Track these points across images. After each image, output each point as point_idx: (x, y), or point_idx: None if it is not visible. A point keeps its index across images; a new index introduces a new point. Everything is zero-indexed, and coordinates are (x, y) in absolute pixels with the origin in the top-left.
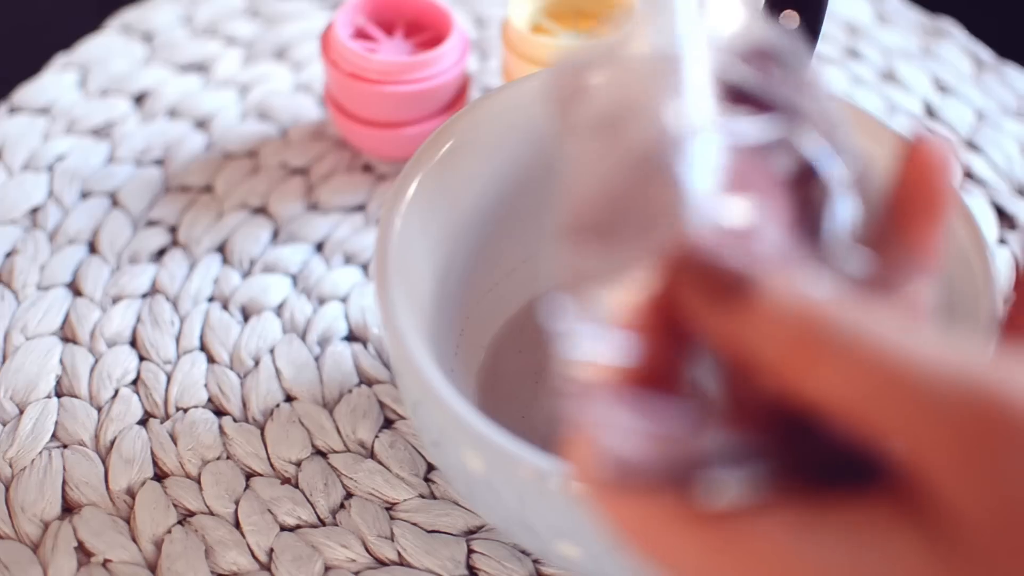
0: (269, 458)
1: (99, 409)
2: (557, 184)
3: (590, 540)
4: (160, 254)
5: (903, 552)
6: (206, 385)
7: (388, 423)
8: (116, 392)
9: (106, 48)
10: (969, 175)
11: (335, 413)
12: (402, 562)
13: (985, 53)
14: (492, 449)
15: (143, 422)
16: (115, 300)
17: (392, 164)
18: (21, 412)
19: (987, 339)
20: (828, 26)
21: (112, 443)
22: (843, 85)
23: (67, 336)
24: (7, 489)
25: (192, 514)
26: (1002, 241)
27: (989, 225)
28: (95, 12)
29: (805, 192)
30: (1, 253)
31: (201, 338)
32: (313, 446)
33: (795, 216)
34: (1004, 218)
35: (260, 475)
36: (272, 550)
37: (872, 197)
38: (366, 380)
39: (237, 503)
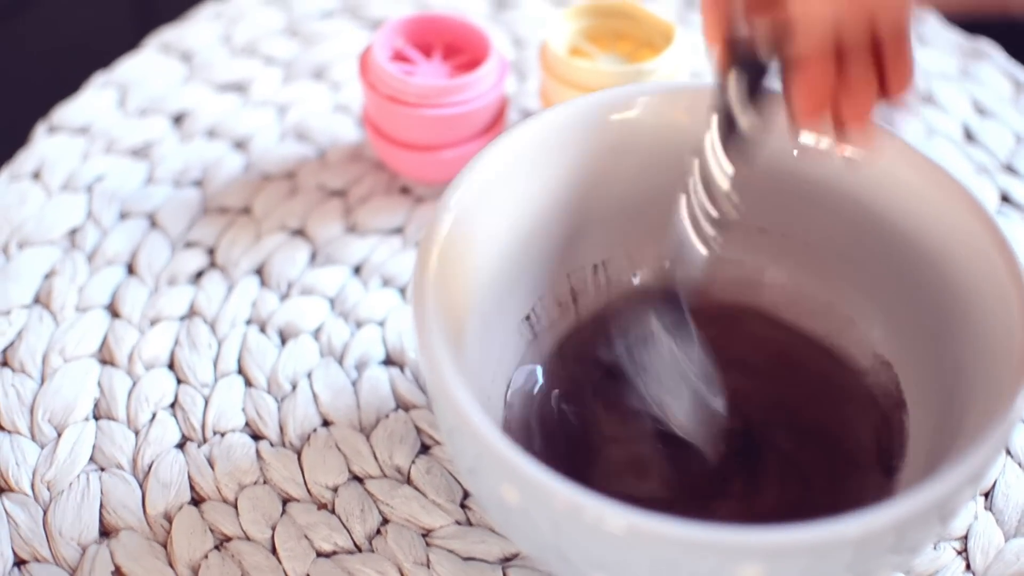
0: (306, 483)
1: (137, 432)
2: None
3: (625, 571)
4: (198, 276)
5: None
6: (243, 409)
7: (425, 449)
8: (154, 415)
9: (145, 68)
10: (1007, 199)
11: (372, 438)
12: None
13: None
14: (527, 480)
15: (180, 446)
16: (153, 322)
17: (430, 187)
18: (59, 435)
19: (1020, 374)
20: None
21: (150, 467)
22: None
23: (105, 358)
24: (45, 512)
25: (229, 539)
26: None
27: None
28: (134, 31)
29: None
30: (40, 274)
31: (239, 361)
32: (350, 471)
33: None
34: None
35: (297, 500)
36: None
37: None
38: (403, 405)
39: (274, 528)
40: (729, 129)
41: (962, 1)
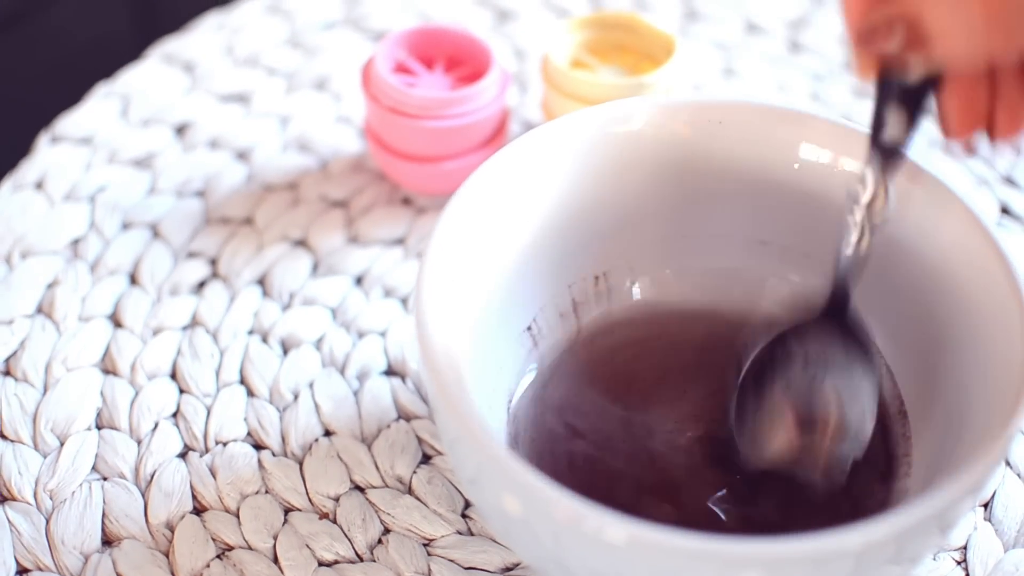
0: (307, 493)
1: (139, 442)
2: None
3: None
4: (200, 286)
5: None
6: (245, 419)
7: (426, 459)
8: (156, 425)
9: (147, 78)
10: (1007, 211)
11: (373, 448)
12: None
13: None
14: (528, 490)
15: (183, 455)
16: (155, 332)
17: (432, 198)
18: (62, 444)
19: (1020, 387)
20: None
21: (152, 476)
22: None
23: (108, 368)
24: (47, 521)
25: (231, 548)
26: None
27: None
28: (136, 42)
29: None
30: (42, 284)
31: (241, 371)
32: (351, 481)
33: None
34: None
35: (298, 510)
36: None
37: None
38: (404, 415)
39: (275, 538)
40: (887, 158)
41: None
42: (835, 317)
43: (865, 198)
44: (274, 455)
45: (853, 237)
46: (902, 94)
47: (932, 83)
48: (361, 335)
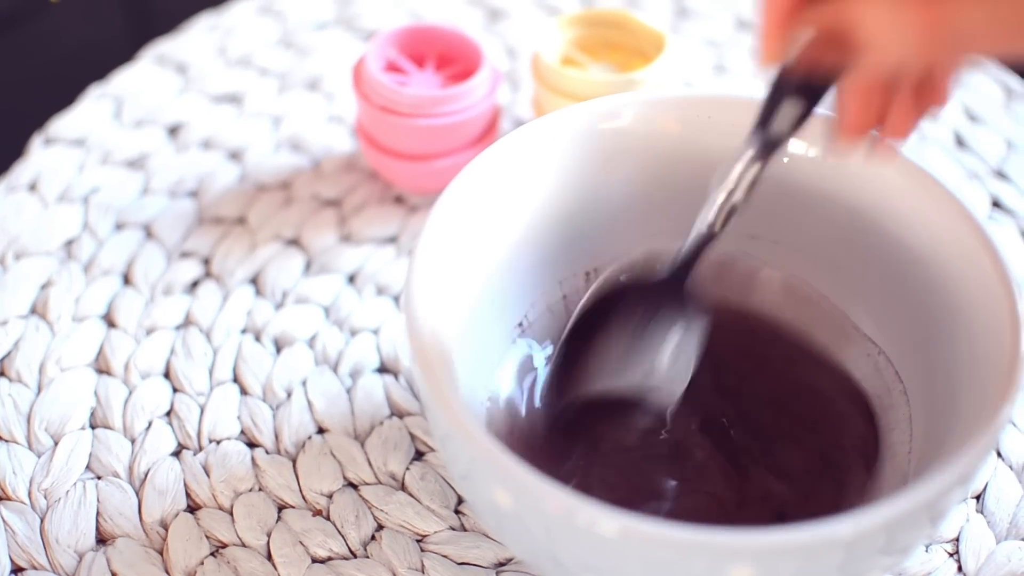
0: (301, 490)
1: (133, 441)
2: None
3: (617, 573)
4: (194, 286)
5: None
6: (239, 417)
7: (419, 455)
8: (150, 424)
9: (140, 80)
10: (997, 205)
11: (366, 445)
12: None
13: (1015, 82)
14: (520, 484)
15: (176, 454)
16: (149, 332)
17: (423, 196)
18: (56, 443)
19: (1009, 378)
20: None
21: (146, 475)
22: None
23: (101, 368)
24: (42, 520)
25: (224, 546)
26: None
27: (1017, 255)
28: (129, 44)
29: None
30: (36, 285)
31: (234, 370)
32: (344, 478)
33: None
34: None
35: (292, 507)
36: None
37: None
38: (397, 412)
39: (269, 535)
40: (767, 149)
41: (1017, 48)
42: (674, 283)
43: (731, 182)
44: (267, 453)
45: (711, 215)
46: (801, 90)
47: (833, 83)
48: (354, 333)
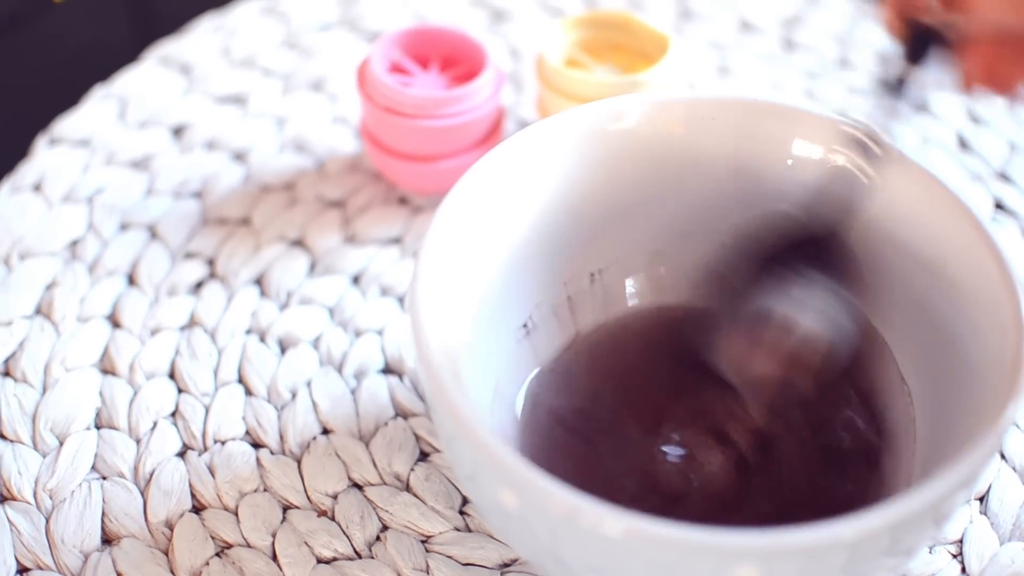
0: (306, 490)
1: (138, 441)
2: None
3: (622, 574)
4: (198, 286)
5: None
6: (244, 417)
7: (424, 456)
8: (155, 424)
9: (144, 80)
10: (1000, 207)
11: (371, 446)
12: None
13: None
14: (525, 485)
15: (181, 454)
16: (154, 332)
17: (428, 197)
18: (61, 444)
19: (1013, 380)
20: (859, 58)
21: (151, 475)
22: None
23: (106, 368)
24: (47, 520)
25: (230, 546)
26: None
27: (1020, 257)
28: (133, 45)
29: None
30: (41, 285)
31: (239, 370)
32: (349, 479)
33: None
34: None
35: (297, 507)
36: None
37: None
38: (402, 413)
39: (274, 535)
40: (895, 90)
41: None
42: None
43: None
44: (272, 453)
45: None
46: (923, 40)
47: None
48: (358, 334)
